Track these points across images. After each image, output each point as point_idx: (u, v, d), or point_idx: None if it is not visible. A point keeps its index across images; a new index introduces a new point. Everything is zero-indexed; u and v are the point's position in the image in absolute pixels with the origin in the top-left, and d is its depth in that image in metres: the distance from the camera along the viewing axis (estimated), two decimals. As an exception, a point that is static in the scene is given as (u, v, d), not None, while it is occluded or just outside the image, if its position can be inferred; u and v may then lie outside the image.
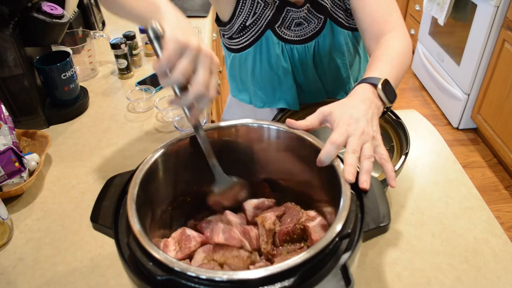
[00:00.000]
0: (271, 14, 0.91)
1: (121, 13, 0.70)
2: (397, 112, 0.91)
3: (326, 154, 0.56)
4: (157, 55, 0.54)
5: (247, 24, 0.93)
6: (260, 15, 0.91)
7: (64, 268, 0.71)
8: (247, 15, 0.92)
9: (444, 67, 2.62)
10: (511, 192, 2.08)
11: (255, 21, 0.92)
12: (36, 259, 0.73)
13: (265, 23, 0.92)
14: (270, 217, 0.61)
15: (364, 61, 1.07)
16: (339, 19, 0.94)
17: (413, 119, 1.05)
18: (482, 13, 2.15)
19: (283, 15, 0.92)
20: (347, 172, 0.53)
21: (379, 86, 0.67)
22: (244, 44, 0.96)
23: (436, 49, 2.69)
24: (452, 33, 2.50)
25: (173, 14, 0.58)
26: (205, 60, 0.54)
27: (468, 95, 2.36)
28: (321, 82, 1.01)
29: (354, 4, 0.88)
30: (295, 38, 0.94)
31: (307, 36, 0.94)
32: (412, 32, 3.22)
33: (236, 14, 0.92)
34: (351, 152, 0.57)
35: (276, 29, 0.93)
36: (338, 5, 0.93)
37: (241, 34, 0.95)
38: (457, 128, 2.52)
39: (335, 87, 1.04)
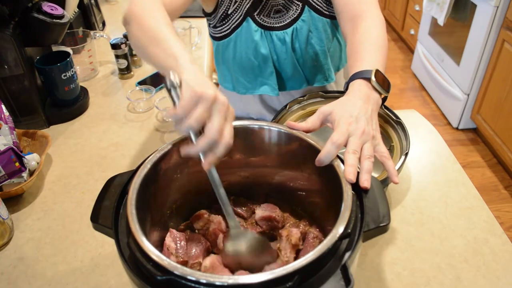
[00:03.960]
0: (250, 2, 0.94)
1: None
2: (397, 112, 0.91)
3: (326, 154, 0.56)
4: (174, 104, 0.55)
5: (229, 12, 0.96)
6: (241, 3, 0.94)
7: (64, 268, 0.72)
8: (229, 4, 0.95)
9: (443, 67, 2.62)
10: (511, 192, 2.08)
11: (236, 9, 0.95)
12: (37, 258, 0.73)
13: (245, 10, 0.95)
14: (296, 233, 0.61)
15: (345, 49, 1.08)
16: (317, 6, 0.96)
17: (413, 119, 1.05)
18: (481, 13, 2.15)
19: (263, 2, 0.95)
20: (348, 172, 0.54)
21: (373, 78, 0.67)
22: (226, 32, 0.99)
23: (436, 49, 2.69)
24: (452, 33, 2.50)
25: (191, 67, 0.59)
26: (220, 108, 0.54)
27: (468, 95, 2.37)
28: (300, 68, 1.03)
29: None
30: (274, 25, 0.97)
31: (286, 22, 0.97)
32: (412, 32, 3.22)
33: (219, 3, 0.96)
34: (351, 152, 0.57)
35: (256, 16, 0.96)
36: None
37: (223, 22, 0.97)
38: (457, 128, 2.52)
39: (314, 74, 1.05)
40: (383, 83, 0.69)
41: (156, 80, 1.27)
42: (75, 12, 1.42)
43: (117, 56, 1.25)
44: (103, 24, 1.67)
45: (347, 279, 0.43)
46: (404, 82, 3.05)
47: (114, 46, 1.24)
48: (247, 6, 0.94)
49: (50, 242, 0.76)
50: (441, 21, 2.47)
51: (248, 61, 1.00)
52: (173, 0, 0.81)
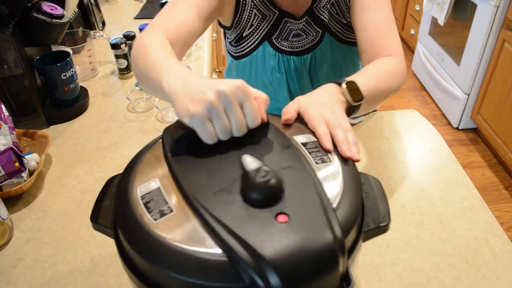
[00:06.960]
0: (268, 26, 0.92)
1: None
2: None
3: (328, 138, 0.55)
4: None
5: (243, 35, 0.94)
6: (257, 27, 0.92)
7: (64, 268, 0.71)
8: (244, 27, 0.93)
9: (444, 67, 2.62)
10: (511, 192, 2.08)
11: (252, 33, 0.93)
12: (36, 259, 0.73)
13: (263, 34, 0.93)
14: None
15: None
16: (337, 33, 0.95)
17: (413, 119, 1.05)
18: (482, 13, 2.15)
19: (280, 26, 0.92)
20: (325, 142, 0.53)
21: (343, 85, 0.66)
22: (240, 53, 0.97)
23: (436, 49, 2.69)
24: (452, 33, 2.50)
25: (173, 69, 0.57)
26: (229, 100, 0.52)
27: (468, 95, 2.36)
28: None
29: (355, 24, 0.86)
30: (292, 50, 0.95)
31: (305, 48, 0.95)
32: (412, 32, 3.21)
33: (234, 25, 0.93)
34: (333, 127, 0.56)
35: (273, 40, 0.94)
36: (336, 20, 0.93)
37: (238, 44, 0.96)
38: (457, 128, 2.52)
39: None
40: (352, 93, 0.66)
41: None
42: (74, 12, 1.42)
43: (117, 56, 1.25)
44: (103, 24, 1.67)
45: (347, 279, 0.43)
46: (404, 82, 3.05)
47: (114, 46, 1.24)
48: (265, 30, 0.92)
49: (49, 242, 0.76)
50: (441, 21, 2.47)
51: (262, 84, 0.99)
52: (178, 31, 0.74)
